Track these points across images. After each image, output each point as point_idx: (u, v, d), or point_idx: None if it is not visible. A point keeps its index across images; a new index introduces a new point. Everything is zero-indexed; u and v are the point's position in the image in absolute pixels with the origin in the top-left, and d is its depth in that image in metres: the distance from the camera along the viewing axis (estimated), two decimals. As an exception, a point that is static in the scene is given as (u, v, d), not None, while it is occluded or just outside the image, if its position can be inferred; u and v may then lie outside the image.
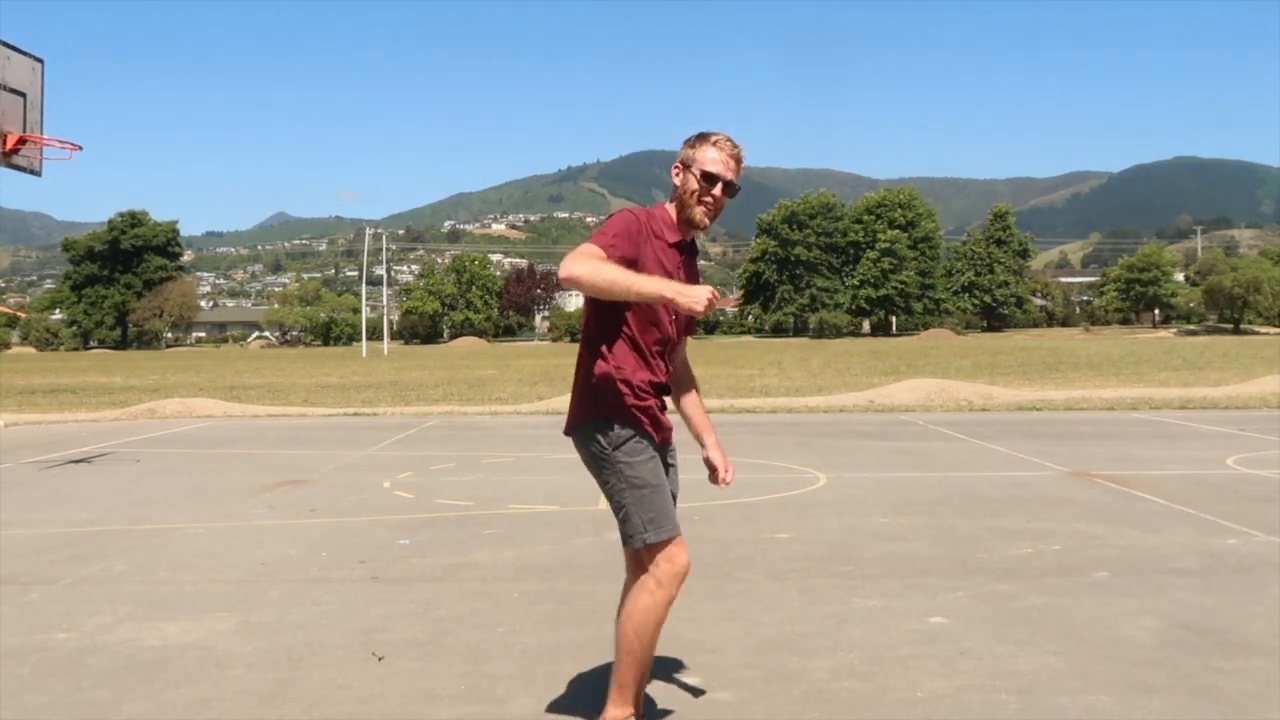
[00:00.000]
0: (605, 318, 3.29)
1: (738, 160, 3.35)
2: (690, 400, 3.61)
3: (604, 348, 3.29)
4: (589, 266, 3.05)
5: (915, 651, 4.38)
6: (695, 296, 3.01)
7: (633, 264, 3.15)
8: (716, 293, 3.04)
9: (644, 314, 3.28)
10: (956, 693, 3.88)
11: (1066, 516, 7.41)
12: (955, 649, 4.40)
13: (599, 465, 3.30)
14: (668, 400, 3.49)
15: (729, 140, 3.35)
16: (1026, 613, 4.94)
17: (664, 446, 3.40)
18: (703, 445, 3.61)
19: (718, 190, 3.31)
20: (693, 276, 3.40)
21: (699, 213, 3.31)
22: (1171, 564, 5.90)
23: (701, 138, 3.36)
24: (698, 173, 3.31)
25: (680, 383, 3.59)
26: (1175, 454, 10.94)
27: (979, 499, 8.21)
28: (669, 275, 3.25)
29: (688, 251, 3.40)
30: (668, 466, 3.41)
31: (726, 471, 3.59)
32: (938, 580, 5.60)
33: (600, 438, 3.27)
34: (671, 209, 3.37)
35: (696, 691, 3.96)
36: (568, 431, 3.41)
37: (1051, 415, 16.08)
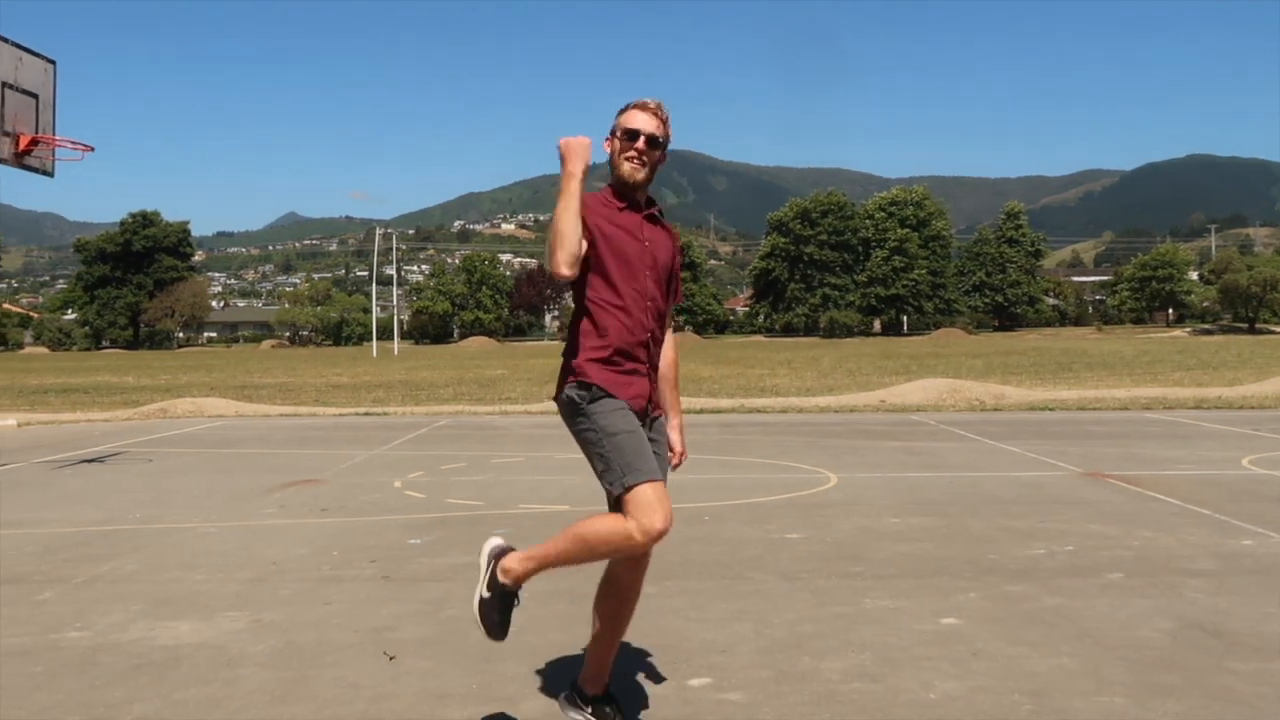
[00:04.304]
0: (587, 284, 3.38)
1: (661, 118, 3.45)
2: (665, 377, 3.64)
3: (587, 314, 3.39)
4: (552, 248, 3.24)
5: (927, 653, 4.36)
6: (567, 142, 3.28)
7: (596, 232, 3.32)
8: (574, 141, 3.27)
9: (619, 281, 3.36)
10: (969, 694, 3.86)
11: (1080, 517, 7.37)
12: (968, 650, 4.38)
13: (577, 420, 3.35)
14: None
15: (653, 100, 3.47)
16: (1040, 614, 4.92)
17: (646, 416, 3.43)
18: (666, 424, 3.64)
19: (640, 143, 3.40)
20: (661, 240, 3.49)
21: (626, 168, 3.42)
22: (1186, 565, 5.87)
23: (627, 105, 3.49)
24: (620, 132, 3.43)
25: (659, 362, 3.61)
26: (1189, 454, 10.89)
27: (991, 499, 8.18)
28: (629, 233, 3.39)
29: (646, 215, 3.48)
30: (650, 441, 3.41)
31: (680, 457, 3.67)
32: (950, 581, 5.58)
33: (578, 395, 3.33)
34: (611, 185, 3.49)
35: (707, 691, 3.94)
36: (555, 396, 3.47)
37: (1064, 415, 16.02)
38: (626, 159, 3.41)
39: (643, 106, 3.43)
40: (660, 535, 3.20)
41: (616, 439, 3.26)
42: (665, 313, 3.54)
